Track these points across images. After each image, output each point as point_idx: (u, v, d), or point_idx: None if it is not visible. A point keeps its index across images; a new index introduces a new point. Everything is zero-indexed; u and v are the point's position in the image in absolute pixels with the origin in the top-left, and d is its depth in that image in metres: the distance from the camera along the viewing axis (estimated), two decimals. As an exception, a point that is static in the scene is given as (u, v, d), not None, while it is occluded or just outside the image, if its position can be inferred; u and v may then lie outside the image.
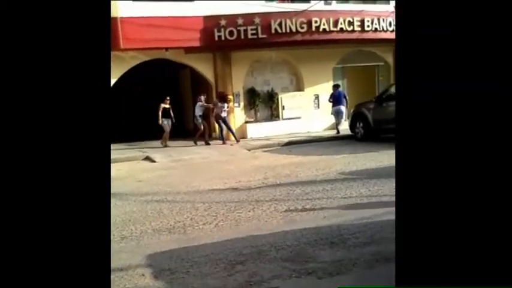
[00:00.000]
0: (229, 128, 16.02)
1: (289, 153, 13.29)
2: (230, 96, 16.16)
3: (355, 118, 15.40)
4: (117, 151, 14.83)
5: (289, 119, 17.60)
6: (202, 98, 15.98)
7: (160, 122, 15.55)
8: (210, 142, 15.91)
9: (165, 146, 15.70)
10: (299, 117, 17.78)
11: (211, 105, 15.94)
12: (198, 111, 15.85)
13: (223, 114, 15.80)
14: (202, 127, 15.89)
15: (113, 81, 15.32)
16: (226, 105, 15.80)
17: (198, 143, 15.91)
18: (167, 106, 15.66)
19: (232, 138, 16.08)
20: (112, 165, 12.43)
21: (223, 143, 15.64)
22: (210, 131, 16.43)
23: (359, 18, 16.42)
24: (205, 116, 16.07)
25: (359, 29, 16.48)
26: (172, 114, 15.75)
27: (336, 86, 17.04)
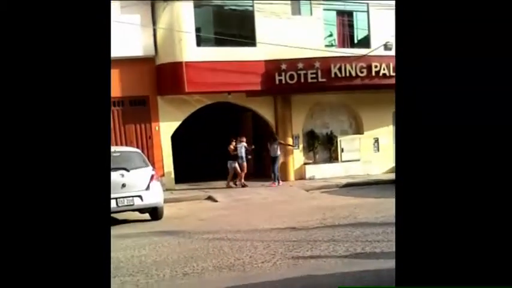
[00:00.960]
0: (274, 169, 16.03)
1: (347, 195, 13.29)
2: (279, 140, 16.22)
3: None
4: (180, 191, 15.32)
5: (348, 161, 17.64)
6: (245, 139, 16.17)
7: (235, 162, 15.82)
8: (247, 184, 15.99)
9: (228, 186, 15.93)
10: (358, 160, 17.80)
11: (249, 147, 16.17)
12: (242, 153, 15.95)
13: (273, 155, 15.90)
14: (240, 169, 15.94)
15: (178, 123, 15.89)
16: (276, 146, 15.91)
17: (245, 183, 16.07)
18: (231, 147, 15.87)
19: (291, 179, 16.34)
20: (174, 204, 13.06)
21: (273, 183, 15.76)
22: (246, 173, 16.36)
23: None
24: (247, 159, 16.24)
25: None
26: (243, 155, 15.91)
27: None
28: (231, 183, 16.06)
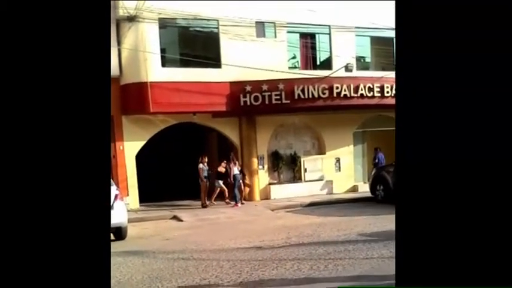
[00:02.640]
0: (235, 190, 16.16)
1: (311, 214, 13.49)
2: (236, 161, 16.40)
3: (376, 181, 15.76)
4: (145, 211, 15.27)
5: (311, 181, 17.89)
6: (206, 159, 16.22)
7: (202, 181, 15.97)
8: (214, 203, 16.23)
9: (205, 206, 16.02)
10: (321, 180, 18.05)
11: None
12: (202, 173, 16.05)
13: (234, 173, 16.10)
14: (204, 189, 16.13)
15: (142, 143, 15.88)
16: (234, 166, 16.12)
17: (215, 203, 16.27)
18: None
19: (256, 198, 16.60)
20: (139, 223, 12.98)
21: (235, 204, 15.85)
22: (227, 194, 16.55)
23: (379, 85, 16.91)
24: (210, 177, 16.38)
25: (379, 94, 16.95)
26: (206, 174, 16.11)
27: (376, 150, 17.76)
28: (210, 202, 16.19)
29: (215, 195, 16.31)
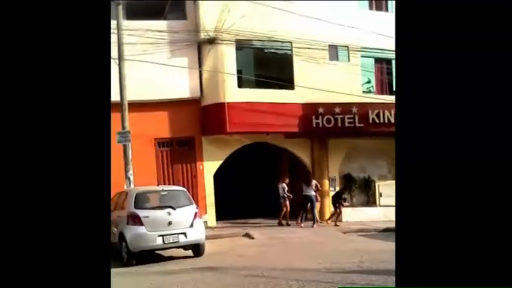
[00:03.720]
0: (312, 209, 16.11)
1: (386, 240, 12.97)
2: (314, 181, 16.32)
3: None
4: (220, 228, 15.60)
5: (386, 206, 17.36)
6: (287, 181, 16.41)
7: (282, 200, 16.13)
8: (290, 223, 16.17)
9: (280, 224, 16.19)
10: (396, 205, 17.63)
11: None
12: (281, 192, 16.17)
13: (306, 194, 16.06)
14: (284, 208, 16.18)
15: (219, 163, 16.27)
16: (311, 188, 16.06)
17: (285, 222, 16.29)
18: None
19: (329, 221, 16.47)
20: (214, 240, 13.24)
21: (313, 225, 15.82)
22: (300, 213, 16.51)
23: None
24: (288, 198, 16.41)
25: None
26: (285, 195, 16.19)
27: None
28: (298, 222, 16.19)
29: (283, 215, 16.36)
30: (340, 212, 16.32)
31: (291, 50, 16.41)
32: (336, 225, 15.93)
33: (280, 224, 16.08)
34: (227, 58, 15.62)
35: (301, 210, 16.02)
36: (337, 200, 16.33)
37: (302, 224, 15.76)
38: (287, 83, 16.16)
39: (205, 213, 15.62)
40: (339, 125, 16.13)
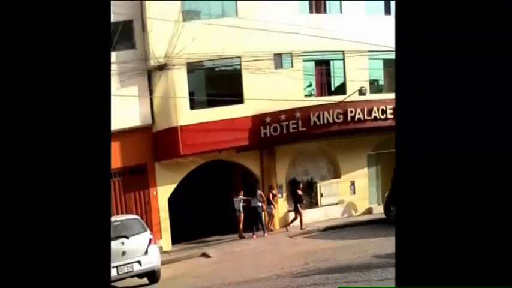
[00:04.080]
0: (260, 219, 16.80)
1: (327, 238, 14.30)
2: (259, 191, 16.91)
3: (389, 202, 16.07)
4: (177, 251, 16.00)
5: (327, 205, 18.46)
6: (242, 193, 16.96)
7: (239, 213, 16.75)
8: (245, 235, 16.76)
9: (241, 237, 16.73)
10: (336, 203, 18.68)
11: (243, 198, 16.97)
12: (237, 206, 16.76)
13: (254, 205, 16.70)
14: (241, 221, 16.80)
15: (174, 186, 16.70)
16: (257, 199, 16.71)
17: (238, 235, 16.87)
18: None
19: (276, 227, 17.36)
20: (170, 265, 13.72)
21: (264, 234, 16.54)
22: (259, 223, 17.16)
23: (392, 106, 17.07)
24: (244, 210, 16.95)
25: (392, 116, 17.13)
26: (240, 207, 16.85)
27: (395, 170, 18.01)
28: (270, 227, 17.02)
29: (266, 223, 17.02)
30: (301, 214, 16.78)
31: (240, 64, 16.72)
32: (302, 228, 16.45)
33: (241, 237, 16.57)
34: (178, 82, 15.92)
35: (253, 222, 16.65)
36: (297, 203, 16.84)
37: (255, 236, 16.34)
38: (237, 97, 16.49)
39: (161, 238, 16.04)
40: (285, 131, 16.48)
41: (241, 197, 16.88)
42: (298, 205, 16.87)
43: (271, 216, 17.27)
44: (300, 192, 17.14)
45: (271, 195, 16.97)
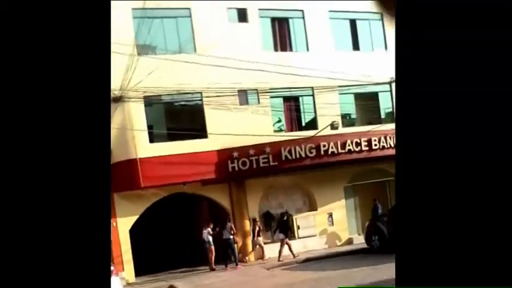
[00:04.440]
0: (232, 252, 16.47)
1: (307, 269, 13.70)
2: (229, 223, 16.64)
3: (371, 231, 16.01)
4: (141, 284, 15.45)
5: (304, 237, 18.06)
6: (211, 226, 16.66)
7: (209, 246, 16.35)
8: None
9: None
10: (314, 235, 18.26)
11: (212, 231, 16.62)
12: (206, 237, 16.44)
13: (225, 237, 16.38)
14: (210, 253, 16.45)
15: (135, 218, 16.20)
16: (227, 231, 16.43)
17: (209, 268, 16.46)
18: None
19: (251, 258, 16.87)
20: None
21: (235, 266, 16.06)
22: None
23: (366, 139, 17.33)
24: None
25: (366, 148, 17.34)
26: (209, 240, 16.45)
27: (374, 200, 18.15)
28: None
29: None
30: (289, 243, 16.49)
31: (201, 99, 16.73)
32: (294, 256, 16.19)
33: (212, 269, 16.22)
34: (136, 115, 15.77)
35: (224, 254, 16.28)
36: (285, 233, 16.60)
37: (228, 268, 15.97)
38: (200, 132, 16.45)
39: (123, 270, 15.49)
40: (254, 166, 16.44)
41: (209, 229, 16.57)
42: (285, 235, 16.68)
43: (256, 246, 17.12)
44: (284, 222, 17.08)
45: (257, 227, 16.96)
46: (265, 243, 17.71)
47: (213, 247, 16.42)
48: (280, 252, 16.43)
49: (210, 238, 16.42)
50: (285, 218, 17.16)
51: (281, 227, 16.92)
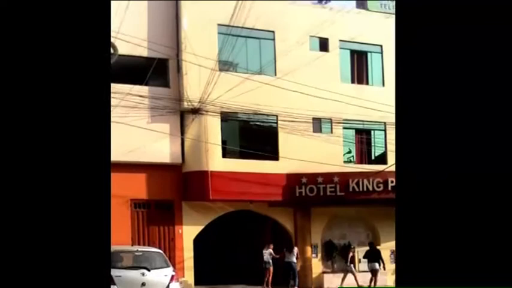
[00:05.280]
0: (294, 275, 16.34)
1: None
2: (295, 248, 16.64)
3: None
4: None
5: (366, 271, 17.52)
6: (272, 246, 16.58)
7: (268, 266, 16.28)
8: None
9: None
10: (376, 270, 17.40)
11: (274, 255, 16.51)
12: (266, 258, 16.35)
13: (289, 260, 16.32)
14: (268, 274, 16.36)
15: (201, 228, 16.42)
16: (293, 255, 16.38)
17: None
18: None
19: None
20: None
21: None
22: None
23: None
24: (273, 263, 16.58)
25: None
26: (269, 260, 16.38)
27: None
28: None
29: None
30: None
31: (276, 122, 16.87)
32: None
33: None
34: (211, 128, 16.06)
35: (288, 276, 16.16)
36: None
37: None
38: (272, 154, 16.56)
39: (183, 276, 15.63)
40: (321, 193, 16.51)
41: (271, 250, 16.49)
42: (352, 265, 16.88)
43: (350, 273, 16.94)
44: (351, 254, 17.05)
45: (350, 254, 16.97)
46: (324, 272, 17.61)
47: (271, 268, 16.34)
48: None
49: (270, 259, 16.33)
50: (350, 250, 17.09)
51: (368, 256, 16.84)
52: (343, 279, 16.81)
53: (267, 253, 16.42)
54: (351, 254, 16.98)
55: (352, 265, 16.84)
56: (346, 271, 16.93)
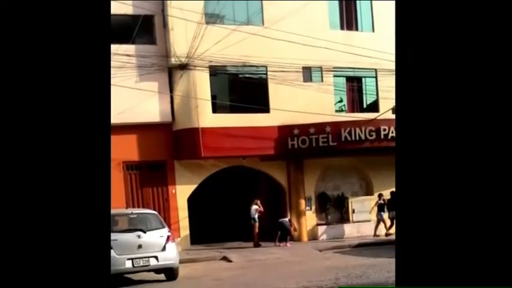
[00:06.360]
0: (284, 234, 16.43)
1: (360, 255, 13.47)
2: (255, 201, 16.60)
3: None
4: (196, 251, 15.60)
5: (359, 221, 17.91)
6: (259, 202, 16.58)
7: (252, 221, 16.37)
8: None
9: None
10: (369, 220, 17.98)
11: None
12: (254, 214, 16.36)
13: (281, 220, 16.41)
14: (256, 229, 16.45)
15: (194, 186, 16.41)
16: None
17: (262, 243, 16.41)
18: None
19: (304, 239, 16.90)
20: (190, 264, 13.23)
21: (286, 244, 16.09)
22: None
23: None
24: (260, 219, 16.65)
25: None
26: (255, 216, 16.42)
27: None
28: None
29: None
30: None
31: (266, 74, 16.60)
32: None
33: (256, 246, 16.22)
34: (200, 84, 15.82)
35: (278, 231, 16.30)
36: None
37: (280, 244, 16.05)
38: (262, 106, 16.36)
39: (179, 236, 15.72)
40: (314, 145, 16.30)
41: (257, 206, 16.48)
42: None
43: (381, 222, 17.33)
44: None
45: (382, 201, 17.30)
46: (318, 224, 17.69)
47: (257, 224, 16.38)
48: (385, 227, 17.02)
49: (256, 215, 16.31)
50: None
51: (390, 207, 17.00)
52: (376, 228, 17.18)
53: (253, 209, 16.41)
54: (379, 202, 17.27)
55: (382, 213, 17.08)
56: (378, 220, 17.26)
